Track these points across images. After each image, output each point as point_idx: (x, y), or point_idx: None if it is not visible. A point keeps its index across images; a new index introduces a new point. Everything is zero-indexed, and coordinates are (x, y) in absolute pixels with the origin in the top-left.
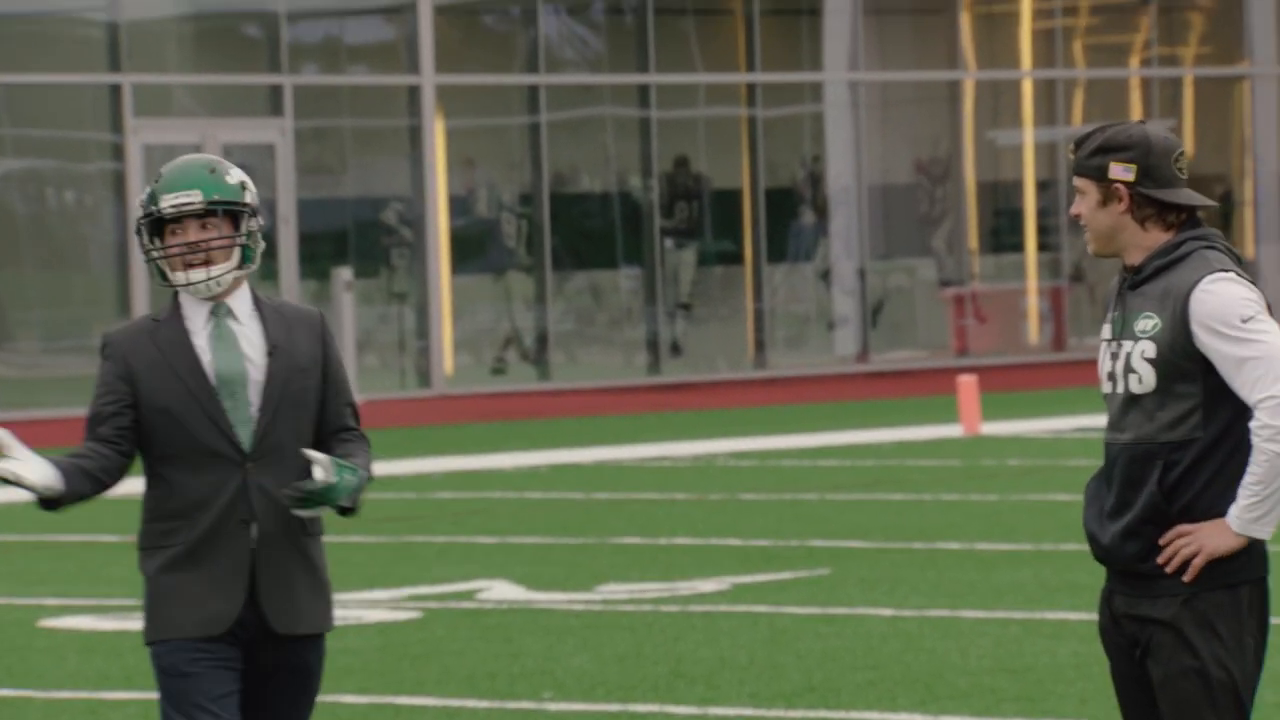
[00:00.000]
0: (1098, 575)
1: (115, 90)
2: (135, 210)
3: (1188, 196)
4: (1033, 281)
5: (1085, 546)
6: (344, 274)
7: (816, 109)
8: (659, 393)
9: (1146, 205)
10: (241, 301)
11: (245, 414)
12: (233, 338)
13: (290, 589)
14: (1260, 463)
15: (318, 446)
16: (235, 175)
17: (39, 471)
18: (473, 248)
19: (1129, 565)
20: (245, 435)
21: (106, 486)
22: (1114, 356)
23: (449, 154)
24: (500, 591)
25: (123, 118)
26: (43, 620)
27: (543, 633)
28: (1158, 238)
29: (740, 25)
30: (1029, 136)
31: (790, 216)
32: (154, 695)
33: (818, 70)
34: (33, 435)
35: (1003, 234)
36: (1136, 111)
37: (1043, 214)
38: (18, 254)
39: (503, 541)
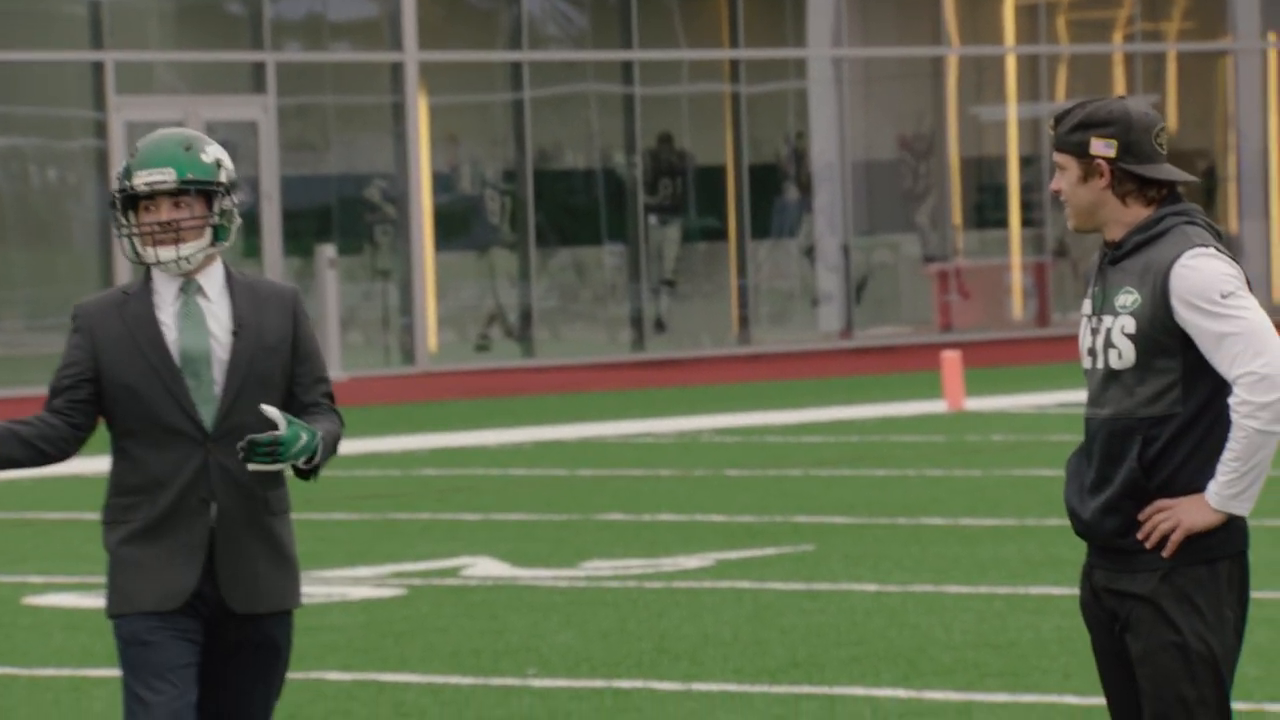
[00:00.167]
0: (1081, 550)
1: (98, 67)
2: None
3: (1168, 172)
4: (1016, 257)
5: (1068, 521)
6: (327, 251)
7: (800, 85)
8: (643, 369)
9: (1127, 181)
10: (213, 278)
11: (209, 393)
12: (200, 315)
13: (251, 568)
14: (1238, 439)
15: None
16: (211, 153)
17: None
18: (456, 224)
19: (1109, 540)
20: (208, 414)
21: (49, 456)
22: (1094, 332)
23: (432, 131)
24: (484, 568)
25: (105, 95)
26: (27, 598)
27: (527, 609)
28: (1138, 213)
29: (724, 1)
30: (1012, 112)
31: (774, 193)
32: None
33: (801, 46)
34: (17, 413)
35: (986, 209)
36: (1120, 87)
37: (1026, 189)
38: (1, 232)
39: (487, 518)
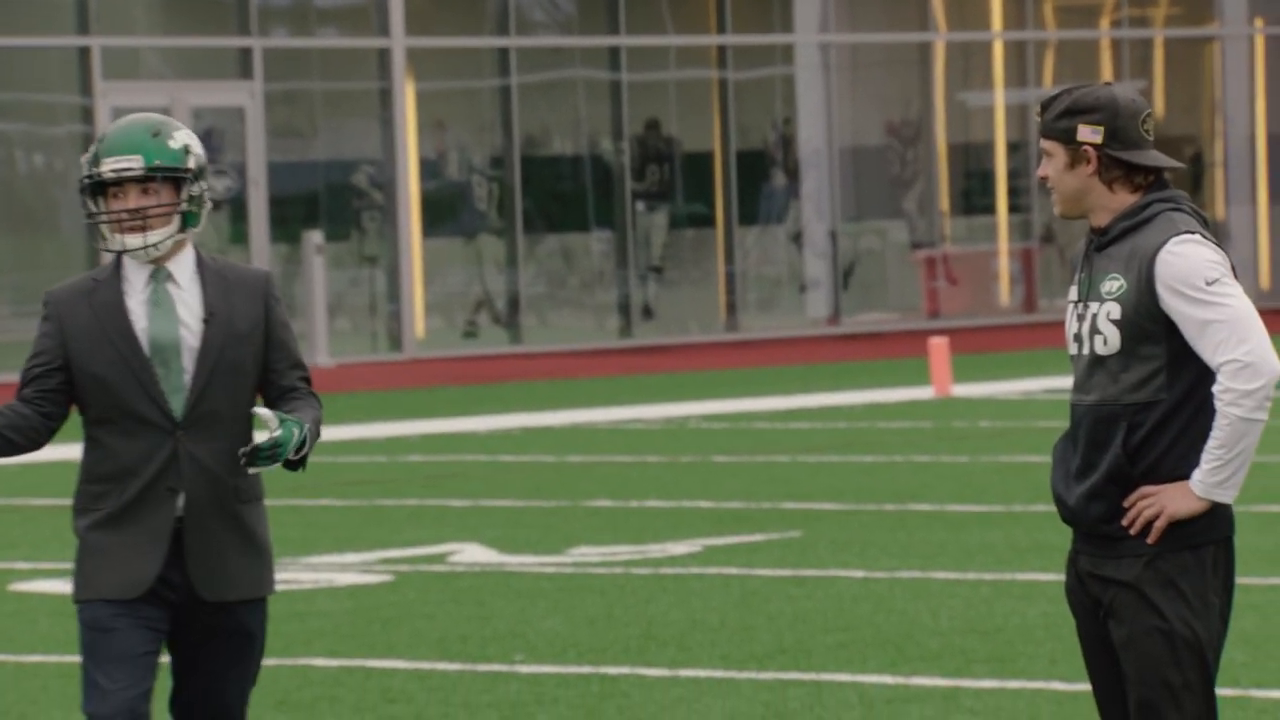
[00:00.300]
0: (1067, 536)
1: (84, 53)
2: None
3: (1155, 158)
4: (1004, 243)
5: (1055, 508)
6: (315, 237)
7: (787, 71)
8: (631, 355)
9: (1114, 167)
10: (183, 265)
11: (178, 382)
12: (170, 303)
13: (221, 556)
14: (1222, 427)
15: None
16: (180, 139)
17: None
18: (444, 211)
19: (1094, 526)
20: (177, 403)
21: (19, 446)
22: (1080, 318)
23: (419, 117)
24: (472, 554)
25: (92, 81)
26: (14, 584)
27: (514, 595)
28: (1125, 200)
29: None
30: (1000, 98)
31: (761, 179)
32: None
33: (788, 32)
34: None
35: (974, 196)
36: (1107, 73)
37: (1013, 175)
38: None
39: (474, 504)
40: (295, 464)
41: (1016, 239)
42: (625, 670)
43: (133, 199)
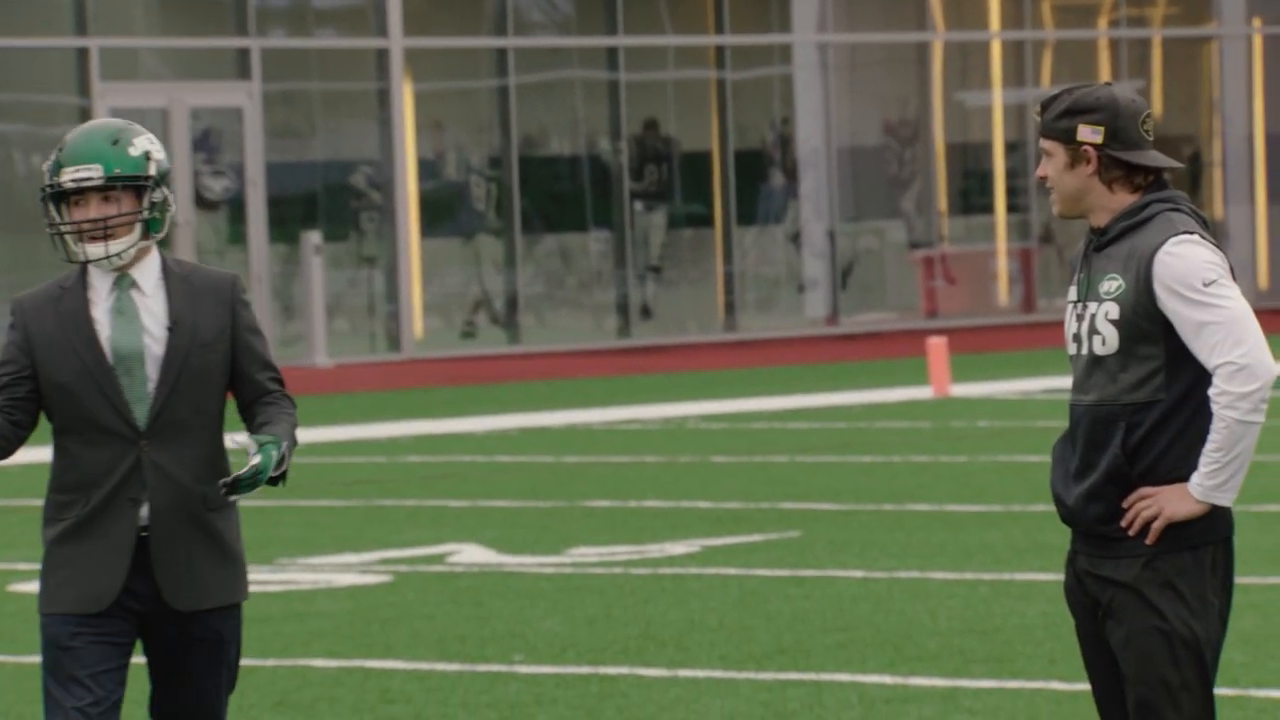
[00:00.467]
0: (1066, 536)
1: (82, 54)
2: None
3: (1155, 158)
4: (1002, 243)
5: (1054, 508)
6: (313, 237)
7: (785, 71)
8: (629, 355)
9: (1114, 167)
10: (148, 272)
11: (142, 391)
12: (134, 311)
13: (189, 565)
14: (1219, 429)
15: (239, 415)
16: (140, 145)
17: None
18: (442, 211)
19: (1092, 527)
20: (141, 412)
21: None
22: (1079, 318)
23: (417, 117)
24: (470, 555)
25: (90, 81)
26: (13, 585)
27: (513, 596)
28: (1124, 200)
29: None
30: (998, 98)
31: (760, 179)
32: (140, 659)
33: (786, 32)
34: None
35: (972, 195)
36: (1105, 73)
37: (1012, 175)
38: None
39: (473, 505)
40: (275, 479)
41: (1015, 239)
42: (624, 670)
43: (94, 208)
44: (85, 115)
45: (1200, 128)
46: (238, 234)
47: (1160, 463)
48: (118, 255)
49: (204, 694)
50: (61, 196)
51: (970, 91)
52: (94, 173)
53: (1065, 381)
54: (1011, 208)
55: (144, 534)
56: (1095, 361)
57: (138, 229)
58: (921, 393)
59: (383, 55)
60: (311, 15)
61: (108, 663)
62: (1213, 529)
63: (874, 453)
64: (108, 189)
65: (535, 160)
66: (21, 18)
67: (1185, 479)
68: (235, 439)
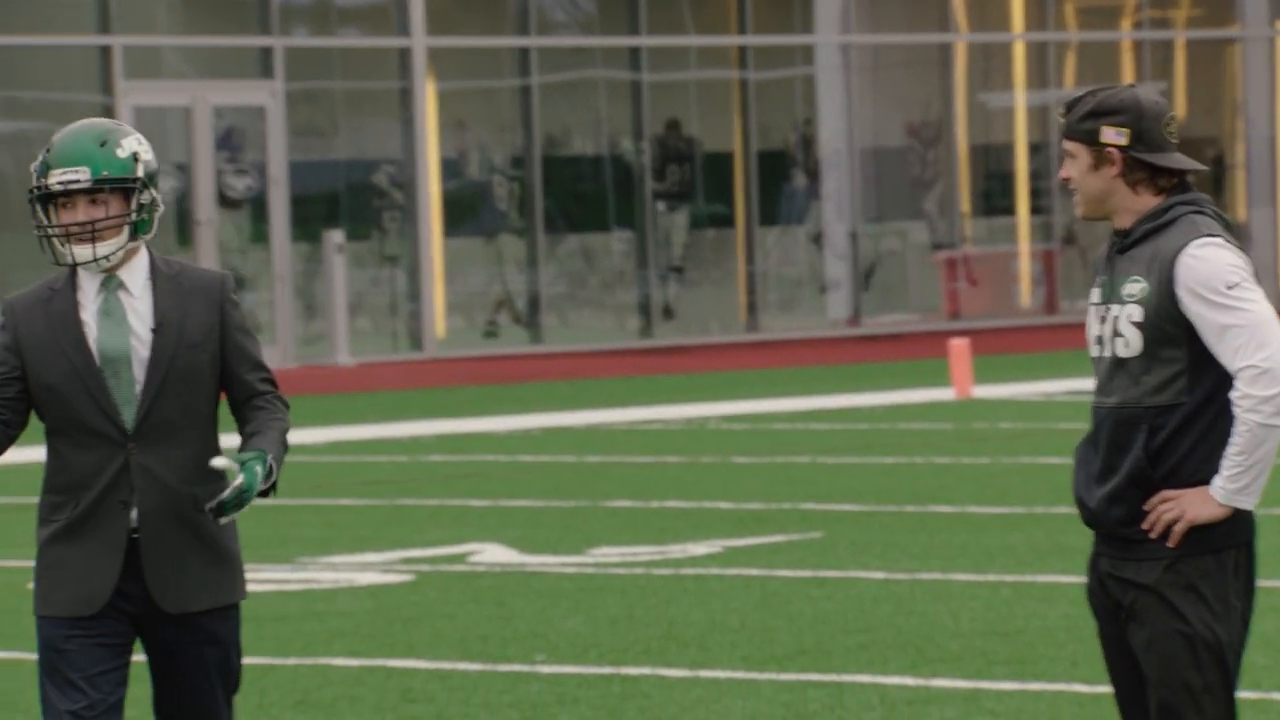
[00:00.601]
0: (1089, 538)
1: (105, 52)
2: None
3: (1179, 160)
4: (1024, 244)
5: (1076, 510)
6: (335, 237)
7: (808, 71)
8: (651, 356)
9: (1138, 169)
10: (136, 273)
11: (129, 393)
12: (121, 312)
13: (180, 568)
14: (1241, 433)
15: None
16: (128, 146)
17: None
18: (464, 210)
19: (1115, 529)
20: (129, 414)
21: None
22: (1102, 320)
23: (440, 116)
24: (492, 554)
25: (113, 80)
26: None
27: (535, 596)
28: (1148, 202)
29: None
30: (1020, 99)
31: (782, 179)
32: (143, 656)
33: (809, 33)
34: None
35: (994, 197)
36: (1128, 74)
37: (1034, 177)
38: (9, 217)
39: (495, 504)
40: (264, 493)
41: (1037, 240)
42: (646, 671)
43: (81, 210)
44: (108, 113)
45: (1223, 130)
46: (260, 233)
47: (1183, 466)
48: (105, 258)
49: (202, 695)
50: (49, 198)
51: (993, 93)
52: (81, 175)
53: (1088, 383)
54: (1034, 209)
55: (135, 536)
56: (1118, 364)
57: (126, 230)
58: (944, 394)
59: (405, 54)
60: (334, 14)
61: (103, 664)
62: (1235, 532)
63: (896, 454)
64: (95, 191)
65: (558, 160)
66: (45, 16)
67: (1207, 482)
68: (215, 464)
